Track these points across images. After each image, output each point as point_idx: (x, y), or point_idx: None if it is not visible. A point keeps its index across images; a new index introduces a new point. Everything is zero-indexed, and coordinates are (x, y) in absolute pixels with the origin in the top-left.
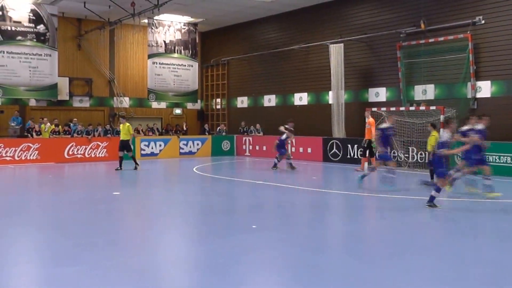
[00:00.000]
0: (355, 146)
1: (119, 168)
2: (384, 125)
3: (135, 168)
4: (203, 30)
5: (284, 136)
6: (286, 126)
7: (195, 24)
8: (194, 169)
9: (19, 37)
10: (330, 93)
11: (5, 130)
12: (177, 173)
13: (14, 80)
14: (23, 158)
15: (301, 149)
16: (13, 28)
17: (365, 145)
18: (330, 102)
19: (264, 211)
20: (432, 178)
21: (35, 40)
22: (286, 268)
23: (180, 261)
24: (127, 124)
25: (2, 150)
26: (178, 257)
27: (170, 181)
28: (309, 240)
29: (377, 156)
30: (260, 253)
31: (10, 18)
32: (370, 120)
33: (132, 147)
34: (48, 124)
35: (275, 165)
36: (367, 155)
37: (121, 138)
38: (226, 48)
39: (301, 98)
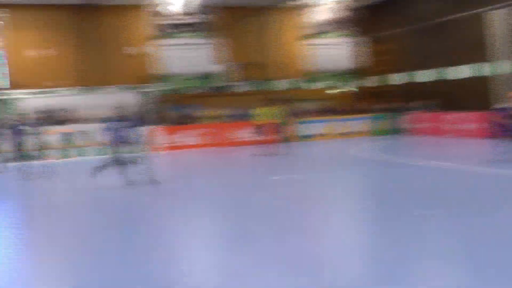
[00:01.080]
0: None
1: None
2: None
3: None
4: (356, 6)
5: None
6: None
7: (347, 1)
8: (361, 150)
9: (179, 29)
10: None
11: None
12: (340, 157)
13: (176, 70)
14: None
15: (463, 126)
16: (175, 21)
17: None
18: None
19: None
20: None
21: (192, 31)
22: None
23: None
24: (275, 107)
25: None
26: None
27: (338, 165)
28: None
29: None
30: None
31: (169, 12)
32: None
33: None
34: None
35: None
36: None
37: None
38: (382, 23)
39: (458, 71)
